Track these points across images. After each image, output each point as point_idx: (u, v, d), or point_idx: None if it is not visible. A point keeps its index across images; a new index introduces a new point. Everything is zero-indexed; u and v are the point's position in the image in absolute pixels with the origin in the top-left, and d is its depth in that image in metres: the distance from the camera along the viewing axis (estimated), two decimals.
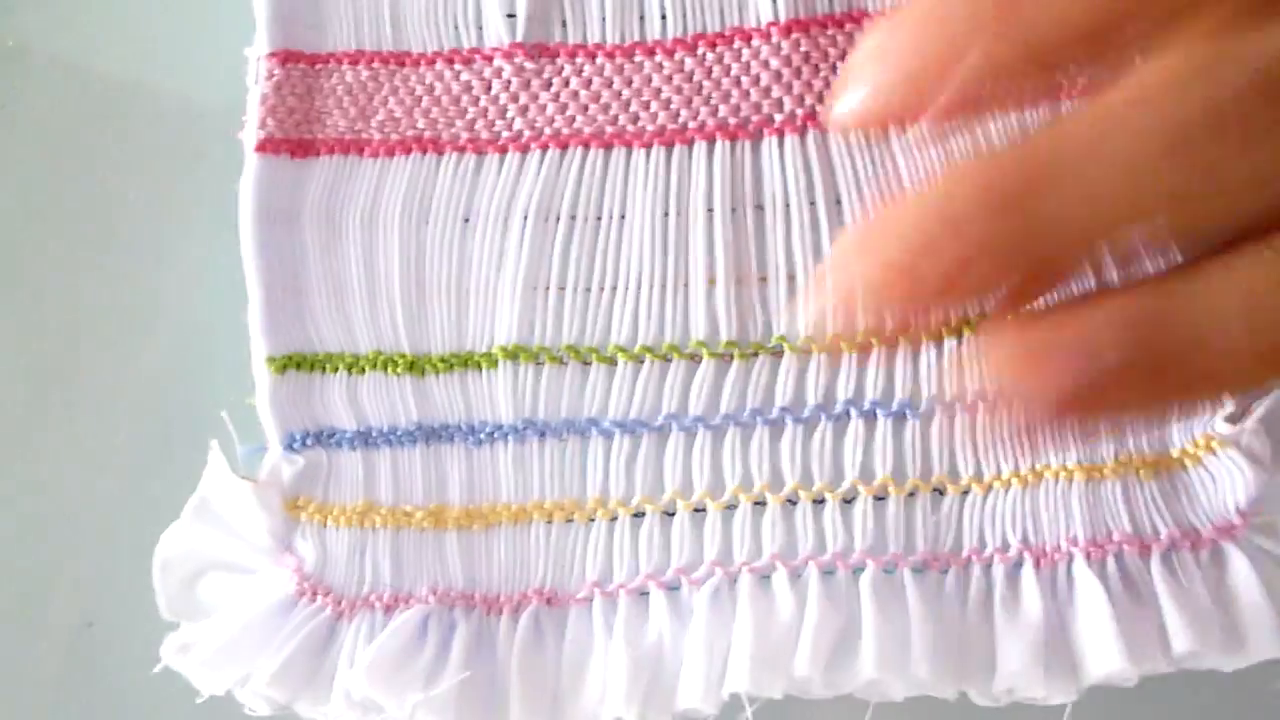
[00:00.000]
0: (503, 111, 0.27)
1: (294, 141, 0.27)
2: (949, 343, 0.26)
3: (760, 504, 0.25)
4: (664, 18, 0.28)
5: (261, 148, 0.26)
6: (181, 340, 0.29)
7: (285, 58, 0.27)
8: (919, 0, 0.18)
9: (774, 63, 0.27)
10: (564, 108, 0.27)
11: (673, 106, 0.27)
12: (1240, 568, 0.24)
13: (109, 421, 0.28)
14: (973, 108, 0.19)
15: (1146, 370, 0.19)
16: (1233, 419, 0.25)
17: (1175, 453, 0.25)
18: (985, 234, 0.18)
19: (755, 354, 0.26)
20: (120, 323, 0.29)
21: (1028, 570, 0.24)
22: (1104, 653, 0.22)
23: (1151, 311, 0.19)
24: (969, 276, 0.18)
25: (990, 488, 0.25)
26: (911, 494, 0.25)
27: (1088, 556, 0.24)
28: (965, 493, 0.25)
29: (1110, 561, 0.24)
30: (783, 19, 0.27)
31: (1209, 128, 0.17)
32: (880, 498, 0.25)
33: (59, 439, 0.28)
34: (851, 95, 0.19)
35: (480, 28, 0.28)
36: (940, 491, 0.25)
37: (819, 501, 0.25)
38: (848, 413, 0.25)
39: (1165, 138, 0.17)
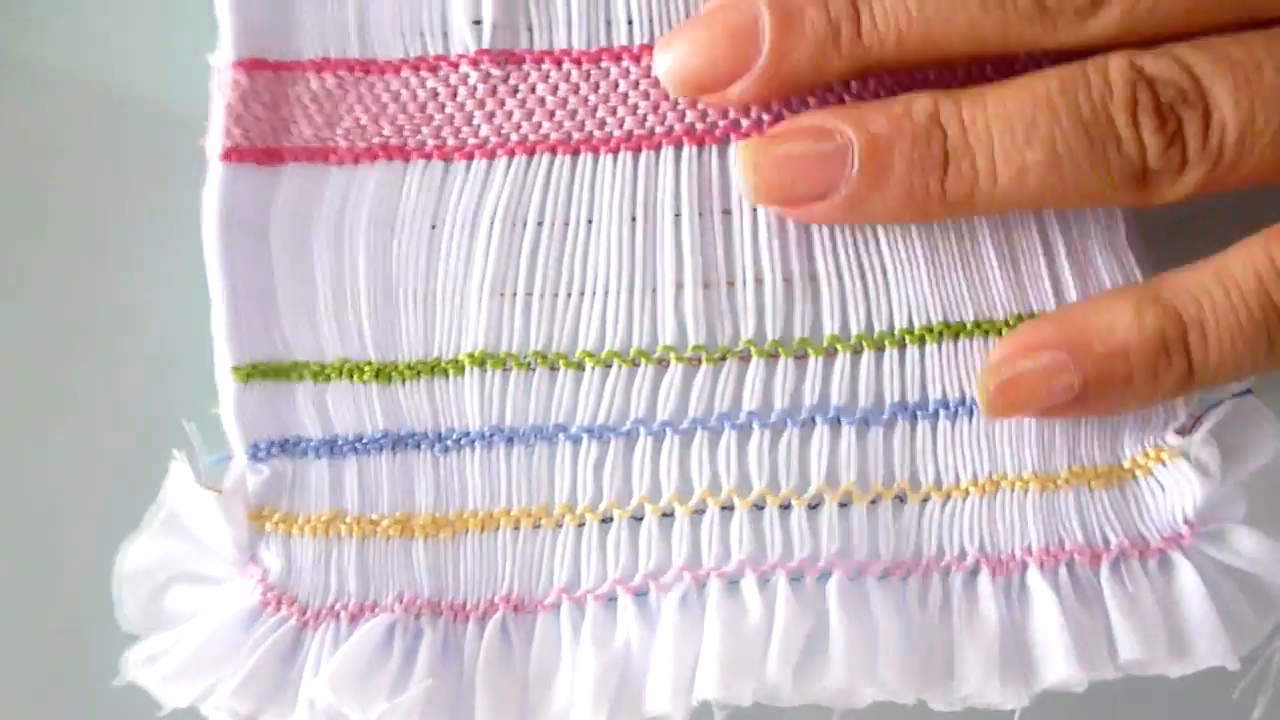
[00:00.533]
0: (469, 118, 0.27)
1: (260, 150, 0.27)
2: (911, 350, 0.26)
3: (728, 509, 0.25)
4: (630, 23, 0.28)
5: (227, 156, 0.26)
6: (146, 349, 0.29)
7: (251, 65, 0.27)
8: None
9: None
10: (530, 114, 0.27)
11: (640, 112, 0.27)
12: (1187, 576, 0.24)
13: (75, 430, 0.28)
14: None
15: (931, 166, 0.24)
16: (1182, 431, 0.25)
17: (1126, 464, 0.25)
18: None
19: (723, 358, 0.26)
20: (86, 331, 0.29)
21: (984, 578, 0.24)
22: (1055, 659, 0.23)
23: (922, 110, 0.24)
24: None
25: (949, 496, 0.25)
26: (874, 501, 0.25)
27: (1041, 565, 0.24)
28: (925, 500, 0.25)
29: (1062, 570, 0.24)
30: None
31: None
32: (845, 504, 0.25)
33: (27, 448, 0.28)
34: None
35: (446, 35, 0.28)
36: (902, 499, 0.25)
37: (785, 507, 0.25)
38: (813, 419, 0.25)
39: None
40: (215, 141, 0.27)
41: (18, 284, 0.29)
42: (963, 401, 0.26)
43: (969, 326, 0.26)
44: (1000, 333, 0.26)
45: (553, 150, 0.27)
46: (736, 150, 0.25)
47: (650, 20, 0.27)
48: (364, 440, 0.25)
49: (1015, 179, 0.24)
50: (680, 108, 0.27)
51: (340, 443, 0.25)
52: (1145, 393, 0.24)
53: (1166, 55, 0.23)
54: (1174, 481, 0.25)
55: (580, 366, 0.26)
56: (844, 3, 0.24)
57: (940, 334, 0.26)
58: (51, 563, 0.27)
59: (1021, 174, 0.23)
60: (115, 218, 0.29)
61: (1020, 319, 0.26)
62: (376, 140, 0.27)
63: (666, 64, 0.25)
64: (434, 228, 0.27)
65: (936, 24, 0.23)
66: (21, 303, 0.29)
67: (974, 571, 0.24)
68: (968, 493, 0.25)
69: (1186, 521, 0.25)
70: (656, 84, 0.27)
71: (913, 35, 0.24)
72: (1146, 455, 0.25)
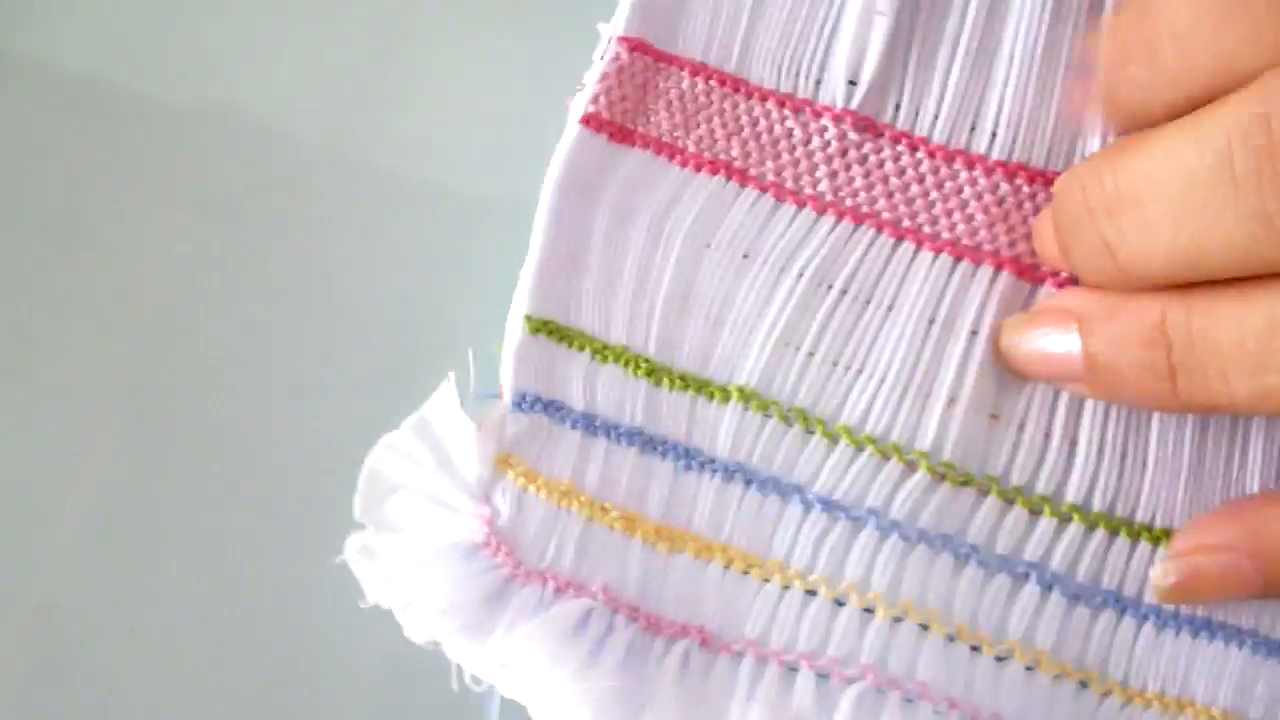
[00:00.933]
0: (814, 168, 0.28)
1: (616, 126, 0.28)
2: (1143, 546, 0.26)
3: (924, 627, 0.25)
4: (994, 136, 0.28)
5: (586, 121, 0.27)
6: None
7: (635, 46, 0.28)
8: None
9: None
10: (871, 185, 0.28)
11: (974, 223, 0.28)
12: None
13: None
14: None
15: (1160, 375, 0.24)
16: None
17: None
18: None
19: (965, 484, 0.26)
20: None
21: None
22: None
23: (1149, 320, 0.24)
24: None
25: (1131, 700, 0.25)
26: (1059, 676, 0.25)
27: None
28: (1106, 694, 0.25)
29: None
30: None
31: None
32: (1030, 668, 0.25)
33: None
34: None
35: (820, 83, 0.28)
36: (1085, 685, 0.25)
37: (975, 648, 0.25)
38: (1028, 575, 0.26)
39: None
40: (580, 104, 0.28)
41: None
42: (1175, 614, 0.26)
43: None
44: None
45: (879, 227, 0.28)
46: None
47: (1013, 140, 0.28)
48: (619, 428, 0.26)
49: (1255, 397, 0.23)
50: (1014, 235, 0.27)
51: (598, 422, 0.26)
52: None
53: None
54: None
55: (835, 439, 0.26)
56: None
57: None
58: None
59: (1263, 395, 0.23)
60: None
61: None
62: (723, 156, 0.28)
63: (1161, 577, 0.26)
64: (746, 257, 0.27)
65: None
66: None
67: None
68: (1150, 704, 0.25)
69: None
70: (1000, 202, 0.28)
71: None
72: None
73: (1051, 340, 0.26)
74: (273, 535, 0.29)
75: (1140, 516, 0.26)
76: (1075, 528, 0.26)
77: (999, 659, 0.25)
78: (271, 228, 0.30)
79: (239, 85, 0.30)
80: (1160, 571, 0.25)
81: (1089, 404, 0.27)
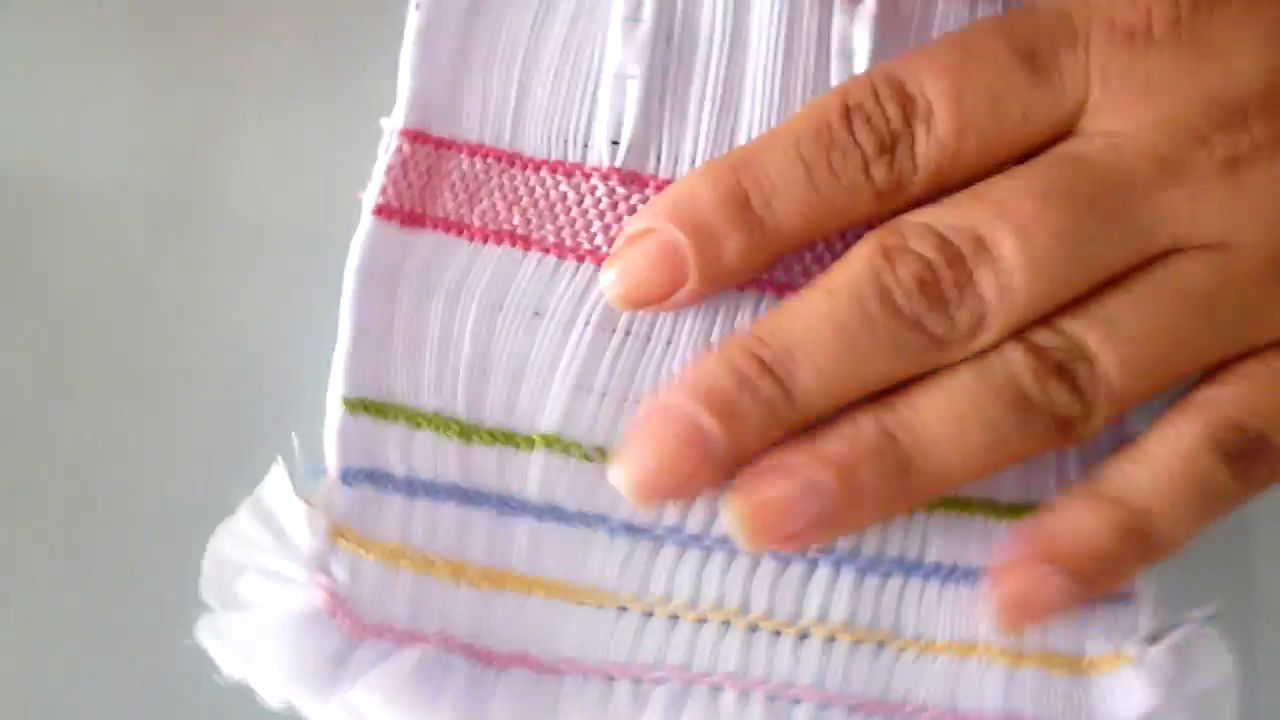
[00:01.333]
0: (588, 225, 0.31)
1: (406, 212, 0.30)
2: (919, 516, 0.30)
3: (726, 624, 0.29)
4: None
5: (378, 212, 0.30)
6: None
7: (415, 136, 0.31)
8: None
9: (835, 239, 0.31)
10: None
11: None
12: None
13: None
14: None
15: (878, 486, 0.28)
16: (1144, 642, 0.29)
17: (1090, 659, 0.29)
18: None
19: None
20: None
21: None
22: None
23: (871, 428, 0.28)
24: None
25: (925, 651, 0.29)
26: (857, 642, 0.29)
27: None
28: (902, 651, 0.29)
29: None
30: None
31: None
32: (830, 640, 0.29)
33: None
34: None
35: (586, 146, 0.31)
36: (882, 645, 0.29)
37: (776, 633, 0.29)
38: (818, 558, 0.29)
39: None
40: (371, 196, 0.30)
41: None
42: (954, 570, 0.29)
43: (974, 504, 0.30)
44: (1000, 516, 0.30)
45: None
46: (722, 505, 0.28)
47: None
48: (438, 488, 0.29)
49: (965, 464, 0.28)
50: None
51: (417, 485, 0.29)
52: (1113, 580, 0.28)
53: (1047, 328, 0.28)
54: (1127, 685, 0.28)
55: None
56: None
57: (948, 506, 0.30)
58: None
59: (970, 460, 0.28)
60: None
61: (1019, 506, 0.30)
62: (506, 226, 0.31)
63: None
64: (536, 314, 0.30)
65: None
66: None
67: None
68: (942, 652, 0.29)
69: None
70: None
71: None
72: (1108, 657, 0.29)
73: (780, 493, 0.28)
74: (122, 621, 0.32)
75: None
76: None
77: (800, 638, 0.29)
78: (90, 315, 0.32)
79: (44, 149, 0.33)
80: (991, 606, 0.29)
81: None
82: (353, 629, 0.27)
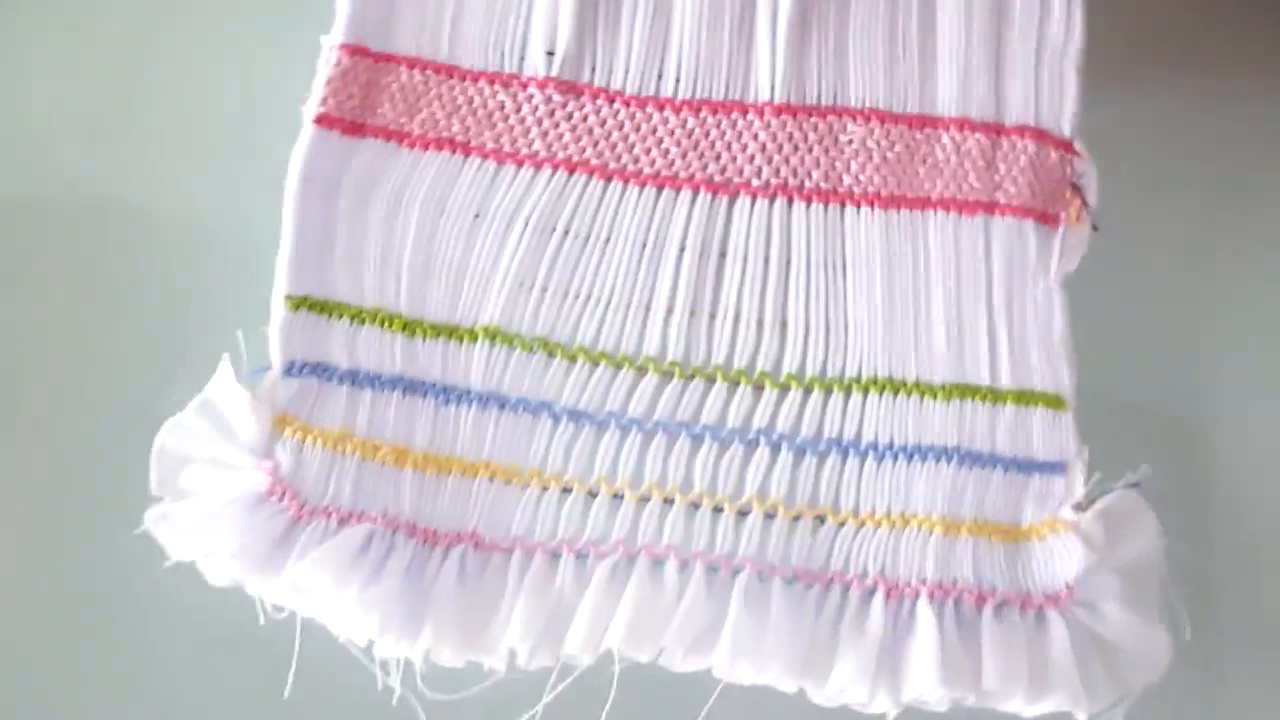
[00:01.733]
0: (526, 131, 0.32)
1: (347, 121, 0.31)
2: (855, 397, 0.30)
3: (669, 502, 0.29)
4: (678, 80, 0.32)
5: (318, 121, 0.31)
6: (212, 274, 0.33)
7: (354, 51, 0.32)
8: None
9: (761, 136, 0.32)
10: (579, 138, 0.32)
11: (669, 156, 0.32)
12: (1058, 631, 0.28)
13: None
14: None
15: None
16: (1078, 508, 0.29)
17: (1025, 526, 0.29)
18: None
19: (693, 376, 0.30)
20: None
21: (878, 598, 0.28)
22: (923, 673, 0.27)
23: None
24: None
25: (863, 524, 0.29)
26: (797, 517, 0.29)
27: (931, 596, 0.28)
28: (841, 524, 0.29)
29: (949, 604, 0.28)
30: (776, 101, 0.32)
31: None
32: (770, 515, 0.29)
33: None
34: None
35: (523, 58, 0.32)
36: (821, 520, 0.29)
37: (718, 509, 0.29)
38: (758, 440, 0.30)
39: None
40: (312, 107, 0.31)
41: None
42: (890, 447, 0.30)
43: (908, 385, 0.30)
44: (935, 395, 0.30)
45: (590, 173, 0.32)
46: None
47: (694, 81, 0.32)
48: (381, 378, 0.29)
49: None
50: (705, 159, 0.32)
51: (361, 375, 0.29)
52: None
53: None
54: (1062, 549, 0.29)
55: (573, 358, 0.30)
56: None
57: (883, 388, 0.30)
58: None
59: None
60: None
61: (955, 387, 0.30)
62: (445, 134, 0.32)
63: None
64: (477, 216, 0.31)
65: None
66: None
67: (871, 591, 0.28)
68: (880, 524, 0.29)
69: (1067, 586, 0.29)
70: (689, 135, 0.32)
71: None
72: (1044, 523, 0.29)
73: None
74: (73, 516, 0.32)
75: (848, 373, 0.30)
76: (794, 393, 0.30)
77: (740, 514, 0.29)
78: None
79: None
80: None
81: (792, 289, 0.31)
82: (297, 510, 0.28)
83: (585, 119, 0.32)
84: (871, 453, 0.30)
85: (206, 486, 0.28)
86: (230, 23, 0.34)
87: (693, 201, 0.31)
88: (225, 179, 0.33)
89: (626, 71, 0.32)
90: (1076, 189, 0.32)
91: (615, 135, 0.32)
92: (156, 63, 0.34)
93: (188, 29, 0.34)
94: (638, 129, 0.32)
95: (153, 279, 0.33)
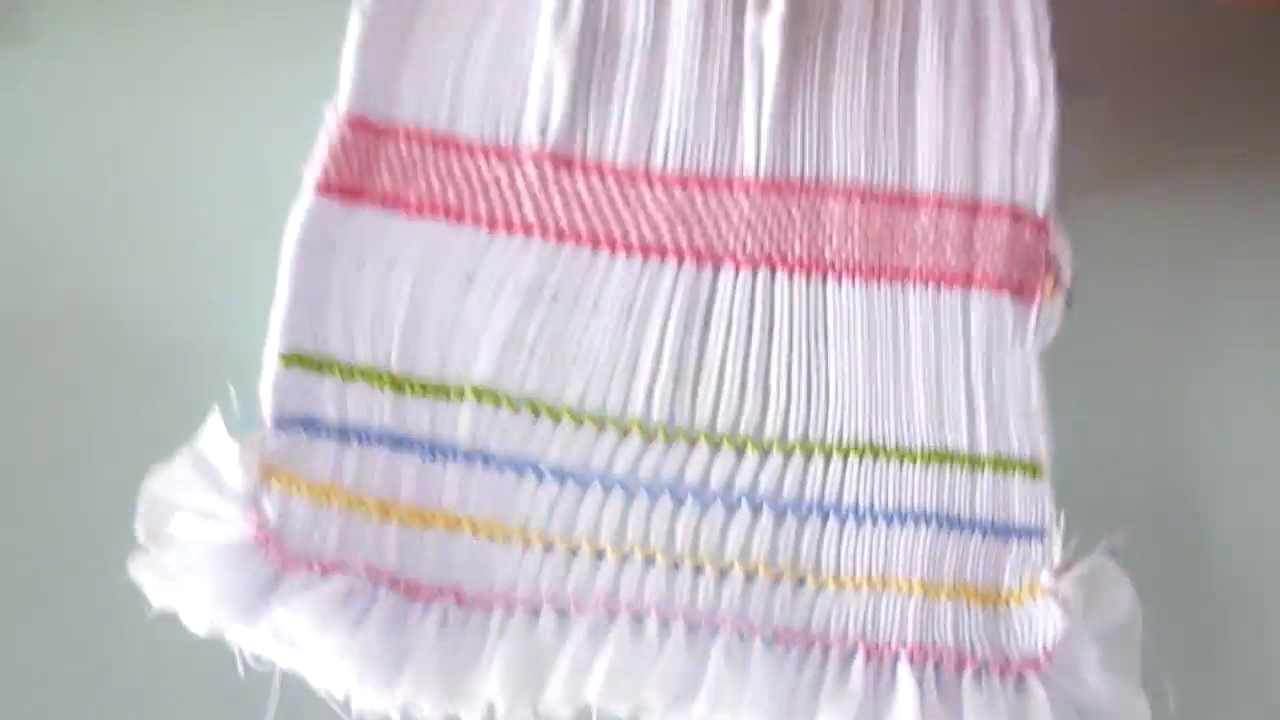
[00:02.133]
0: (519, 201, 0.33)
1: (346, 188, 0.32)
2: (835, 460, 0.31)
3: (650, 560, 0.29)
4: (666, 154, 0.33)
5: (318, 188, 0.32)
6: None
7: (355, 122, 0.33)
8: None
9: (746, 209, 0.33)
10: (569, 208, 0.33)
11: (657, 226, 0.33)
12: (1038, 696, 0.28)
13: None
14: None
15: None
16: (1057, 573, 0.30)
17: (1004, 591, 0.30)
18: None
19: (676, 439, 0.31)
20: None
21: (859, 660, 0.28)
22: None
23: None
24: None
25: (844, 586, 0.29)
26: (777, 578, 0.29)
27: (911, 659, 0.28)
28: (822, 587, 0.29)
29: (929, 668, 0.28)
30: (760, 176, 0.33)
31: None
32: (751, 576, 0.29)
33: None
34: None
35: (518, 130, 0.34)
36: (801, 582, 0.29)
37: (699, 569, 0.29)
38: (740, 501, 0.30)
39: None
40: (313, 174, 0.32)
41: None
42: (870, 509, 0.30)
43: (889, 450, 0.31)
44: (915, 460, 0.31)
45: (580, 241, 0.33)
46: None
47: (682, 156, 0.33)
48: (370, 433, 0.30)
49: None
50: (691, 230, 0.33)
51: (350, 430, 0.30)
52: None
53: None
54: (1041, 614, 0.29)
55: (558, 418, 0.31)
56: None
57: (863, 452, 0.31)
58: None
59: None
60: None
61: (935, 452, 0.31)
62: (440, 202, 0.33)
63: None
64: (469, 280, 0.32)
65: None
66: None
67: (851, 653, 0.29)
68: (860, 586, 0.29)
69: (1046, 651, 0.29)
70: (677, 207, 0.33)
71: None
72: (1023, 588, 0.30)
73: None
74: (61, 563, 0.32)
75: (829, 438, 0.31)
76: (776, 456, 0.31)
77: (722, 574, 0.29)
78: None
79: None
80: None
81: (775, 356, 0.32)
82: (281, 560, 0.28)
83: (576, 190, 0.33)
84: (852, 515, 0.30)
85: (193, 535, 0.28)
86: (242, 84, 0.36)
87: (678, 270, 0.32)
88: (227, 240, 0.35)
89: (617, 145, 0.34)
90: (1051, 265, 0.33)
91: (605, 206, 0.33)
92: (173, 128, 0.36)
93: (203, 94, 0.36)
94: (627, 201, 0.33)
95: (145, 332, 0.34)
